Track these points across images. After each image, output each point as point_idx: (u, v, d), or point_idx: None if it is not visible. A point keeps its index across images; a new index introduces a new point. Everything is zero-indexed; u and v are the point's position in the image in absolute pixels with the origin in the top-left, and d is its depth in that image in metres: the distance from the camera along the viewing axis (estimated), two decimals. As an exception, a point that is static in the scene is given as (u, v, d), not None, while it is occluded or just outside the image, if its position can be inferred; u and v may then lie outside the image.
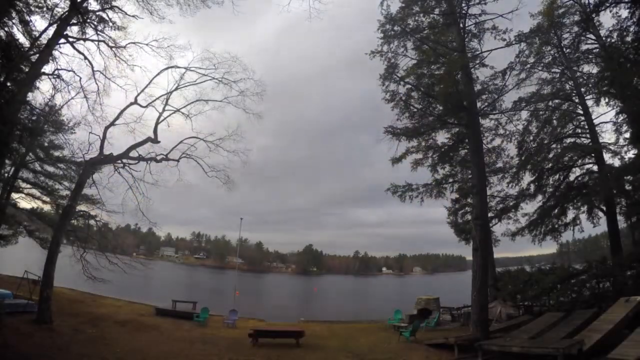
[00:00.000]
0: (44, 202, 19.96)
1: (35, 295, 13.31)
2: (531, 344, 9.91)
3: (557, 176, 19.00)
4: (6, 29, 11.18)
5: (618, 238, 17.13)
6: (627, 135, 17.14)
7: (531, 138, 19.41)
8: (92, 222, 16.50)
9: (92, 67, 13.96)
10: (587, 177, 18.34)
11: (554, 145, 19.07)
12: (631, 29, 13.77)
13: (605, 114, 17.88)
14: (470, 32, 15.03)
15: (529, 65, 18.14)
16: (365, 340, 14.75)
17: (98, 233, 16.69)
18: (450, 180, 17.55)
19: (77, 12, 12.48)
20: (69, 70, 13.51)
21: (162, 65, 15.85)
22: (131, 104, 15.46)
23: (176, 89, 16.39)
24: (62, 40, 12.79)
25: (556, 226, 18.69)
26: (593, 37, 17.52)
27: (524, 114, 19.24)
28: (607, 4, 14.79)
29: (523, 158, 18.98)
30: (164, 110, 16.13)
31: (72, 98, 14.29)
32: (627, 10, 13.68)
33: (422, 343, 13.20)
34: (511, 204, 19.14)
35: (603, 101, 17.72)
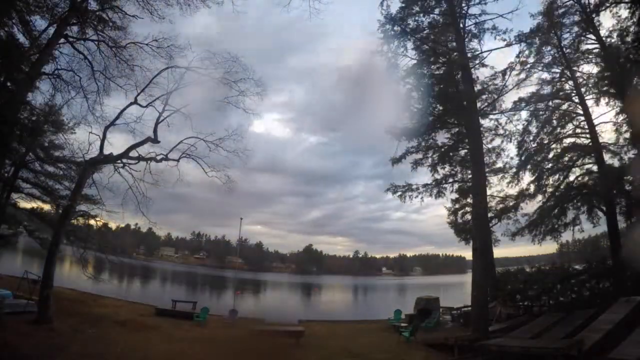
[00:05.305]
0: (44, 202, 19.92)
1: (35, 295, 13.29)
2: (531, 344, 9.89)
3: (557, 176, 19.00)
4: (6, 29, 11.20)
5: (618, 238, 17.12)
6: (627, 135, 17.17)
7: (531, 138, 19.42)
8: (92, 222, 16.51)
9: (92, 67, 13.95)
10: (587, 177, 18.33)
11: (554, 145, 19.08)
12: (631, 29, 13.82)
13: (605, 114, 17.90)
14: (470, 32, 15.06)
15: (529, 65, 18.18)
16: (365, 340, 14.73)
17: (98, 233, 16.68)
18: (450, 180, 17.60)
19: (77, 12, 12.46)
20: (69, 70, 13.56)
21: (162, 65, 15.85)
22: (131, 103, 15.42)
23: (176, 89, 16.40)
24: (62, 40, 12.79)
25: (556, 226, 18.66)
26: (593, 37, 17.52)
27: (524, 114, 19.28)
28: (607, 4, 14.86)
29: (523, 158, 19.01)
30: (164, 110, 16.09)
31: (72, 98, 14.32)
32: (627, 10, 13.74)
33: (422, 343, 13.18)
34: (511, 204, 19.15)
35: (603, 101, 17.75)
